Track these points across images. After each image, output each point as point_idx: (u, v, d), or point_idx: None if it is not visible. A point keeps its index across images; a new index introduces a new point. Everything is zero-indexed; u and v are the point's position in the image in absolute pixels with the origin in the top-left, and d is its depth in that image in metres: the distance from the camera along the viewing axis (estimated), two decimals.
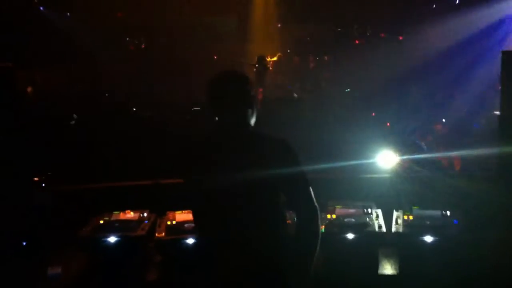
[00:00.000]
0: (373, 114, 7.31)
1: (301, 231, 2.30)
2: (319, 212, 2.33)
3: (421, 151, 4.72)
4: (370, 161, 4.34)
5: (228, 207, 2.28)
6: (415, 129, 5.96)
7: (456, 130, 6.58)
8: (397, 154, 4.36)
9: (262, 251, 2.27)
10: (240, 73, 2.47)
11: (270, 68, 10.55)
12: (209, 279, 2.37)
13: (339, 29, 11.27)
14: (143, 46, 11.52)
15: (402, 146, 4.56)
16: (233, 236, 2.28)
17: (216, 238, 2.34)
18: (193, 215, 2.53)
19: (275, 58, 11.08)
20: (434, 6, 10.55)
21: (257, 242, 2.27)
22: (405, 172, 4.29)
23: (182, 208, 3.86)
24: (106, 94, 9.51)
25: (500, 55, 4.12)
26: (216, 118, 2.41)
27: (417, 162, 4.35)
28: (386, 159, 4.35)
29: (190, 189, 2.40)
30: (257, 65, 10.36)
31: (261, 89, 9.94)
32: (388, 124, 6.42)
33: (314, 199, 2.33)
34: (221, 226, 2.31)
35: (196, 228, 2.63)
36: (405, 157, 4.34)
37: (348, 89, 8.45)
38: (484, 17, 9.55)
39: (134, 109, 8.58)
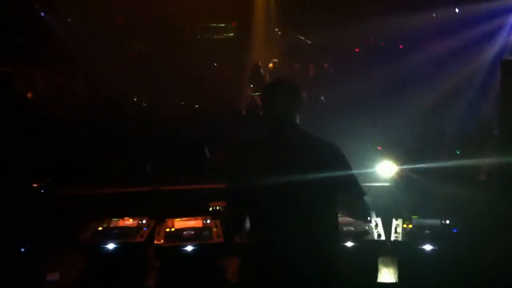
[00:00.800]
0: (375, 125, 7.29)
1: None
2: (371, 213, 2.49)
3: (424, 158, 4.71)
4: (370, 170, 4.35)
5: (280, 208, 2.36)
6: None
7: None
8: (397, 164, 4.37)
9: (314, 255, 2.35)
10: (294, 81, 2.69)
11: (267, 75, 10.54)
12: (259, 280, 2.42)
13: (339, 37, 11.29)
14: (142, 51, 11.53)
15: (402, 154, 4.57)
16: (284, 237, 2.35)
17: (267, 239, 2.40)
18: (239, 215, 2.56)
19: (271, 65, 11.08)
20: (434, 15, 10.60)
21: (308, 245, 2.34)
22: (404, 181, 4.29)
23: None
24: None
25: (499, 64, 4.14)
26: (268, 120, 2.57)
27: (417, 171, 4.36)
28: (385, 168, 4.36)
29: (241, 189, 2.45)
30: (252, 73, 10.38)
31: (257, 96, 9.97)
32: (379, 148, 6.36)
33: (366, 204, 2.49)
34: (273, 227, 2.38)
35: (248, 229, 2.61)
36: (404, 166, 4.35)
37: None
38: (483, 24, 9.60)
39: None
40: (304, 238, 2.35)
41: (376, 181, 4.40)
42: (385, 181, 4.40)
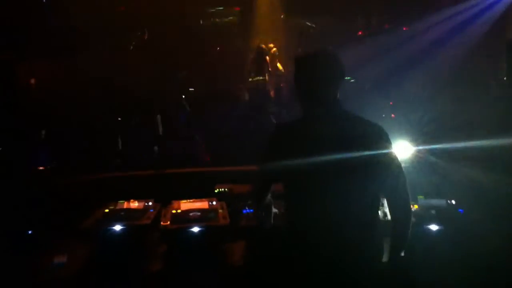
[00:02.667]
0: (391, 103, 7.25)
1: (398, 217, 2.33)
2: (410, 199, 2.34)
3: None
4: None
5: (319, 189, 2.24)
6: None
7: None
8: (412, 144, 4.31)
9: (352, 237, 2.24)
10: (335, 53, 2.37)
11: (268, 57, 10.48)
12: (294, 262, 2.32)
13: (342, 20, 11.19)
14: (145, 37, 11.44)
15: (417, 136, 4.52)
16: (322, 217, 2.23)
17: (306, 218, 2.29)
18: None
19: (274, 49, 11.00)
20: None
21: (348, 226, 2.23)
22: (419, 162, 4.26)
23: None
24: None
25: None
26: (303, 99, 2.35)
27: (432, 152, 4.32)
28: (400, 149, 4.30)
29: (280, 167, 2.30)
30: (255, 54, 10.32)
31: (261, 79, 9.92)
32: (392, 116, 6.36)
33: (407, 186, 2.32)
34: (312, 207, 2.26)
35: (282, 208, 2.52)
36: (419, 147, 4.30)
37: (352, 80, 8.39)
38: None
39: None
40: (343, 219, 2.21)
41: None
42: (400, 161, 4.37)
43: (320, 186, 2.23)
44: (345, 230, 2.22)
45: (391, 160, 2.28)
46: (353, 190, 2.23)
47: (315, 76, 2.29)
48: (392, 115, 6.97)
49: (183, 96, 6.99)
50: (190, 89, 9.45)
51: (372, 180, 2.24)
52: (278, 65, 10.69)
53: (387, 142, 2.28)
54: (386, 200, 2.37)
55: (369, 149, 2.19)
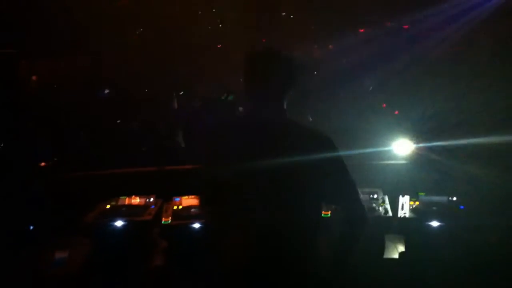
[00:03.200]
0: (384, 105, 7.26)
1: (349, 227, 2.13)
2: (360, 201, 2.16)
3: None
4: (386, 148, 4.30)
5: (255, 196, 2.04)
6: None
7: None
8: (413, 142, 4.32)
9: (287, 249, 2.06)
10: (289, 53, 2.14)
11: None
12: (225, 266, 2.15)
13: (344, 18, 11.18)
14: (144, 34, 11.43)
15: (418, 133, 4.52)
16: (261, 223, 2.04)
17: (234, 225, 2.10)
18: (208, 201, 2.27)
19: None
20: None
21: (284, 235, 2.04)
22: (420, 159, 4.27)
23: (190, 193, 3.83)
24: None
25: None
26: (250, 100, 2.14)
27: (433, 149, 4.32)
28: (401, 147, 4.32)
29: (211, 175, 2.13)
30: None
31: None
32: (396, 112, 6.36)
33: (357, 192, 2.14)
34: (249, 214, 2.06)
35: (211, 215, 2.34)
36: (420, 144, 4.31)
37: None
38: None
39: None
40: (281, 226, 2.03)
41: (392, 159, 4.39)
42: (400, 159, 4.38)
43: (254, 194, 2.04)
44: (279, 240, 2.04)
45: (340, 170, 2.10)
46: (290, 198, 2.05)
47: (257, 76, 2.09)
48: (396, 112, 6.97)
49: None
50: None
51: (311, 188, 2.07)
52: None
53: (330, 150, 2.08)
54: (340, 207, 2.23)
55: (309, 156, 2.01)
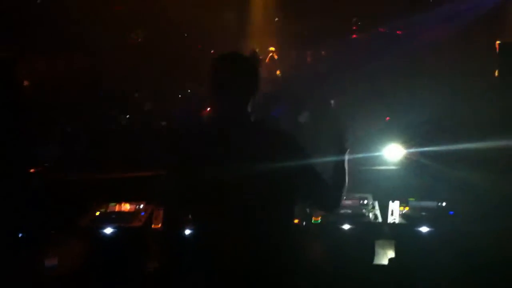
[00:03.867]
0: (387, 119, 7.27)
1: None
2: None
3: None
4: (376, 154, 4.32)
5: (227, 200, 2.03)
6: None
7: None
8: (404, 147, 4.33)
9: (261, 254, 2.05)
10: (249, 54, 2.30)
11: (264, 61, 10.50)
12: (207, 272, 2.17)
13: (336, 24, 11.24)
14: (139, 40, 11.45)
15: (409, 139, 4.54)
16: (229, 230, 2.04)
17: (211, 232, 2.11)
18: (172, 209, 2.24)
19: (271, 53, 11.03)
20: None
21: (255, 243, 2.04)
22: (410, 164, 4.29)
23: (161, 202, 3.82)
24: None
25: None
26: (213, 103, 2.19)
27: (424, 154, 4.34)
28: (392, 152, 4.33)
29: (181, 181, 2.10)
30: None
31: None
32: (387, 118, 6.37)
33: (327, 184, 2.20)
34: (217, 223, 2.07)
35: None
36: (411, 150, 4.32)
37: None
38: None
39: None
40: (250, 235, 2.03)
41: (382, 164, 4.40)
42: (391, 164, 4.39)
43: (224, 202, 2.03)
44: (251, 247, 2.04)
45: (308, 170, 2.13)
46: (261, 206, 2.05)
47: (224, 78, 2.11)
48: (387, 118, 6.99)
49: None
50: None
51: (284, 194, 2.08)
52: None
53: (302, 149, 2.13)
54: (313, 201, 2.26)
55: (279, 160, 2.03)
